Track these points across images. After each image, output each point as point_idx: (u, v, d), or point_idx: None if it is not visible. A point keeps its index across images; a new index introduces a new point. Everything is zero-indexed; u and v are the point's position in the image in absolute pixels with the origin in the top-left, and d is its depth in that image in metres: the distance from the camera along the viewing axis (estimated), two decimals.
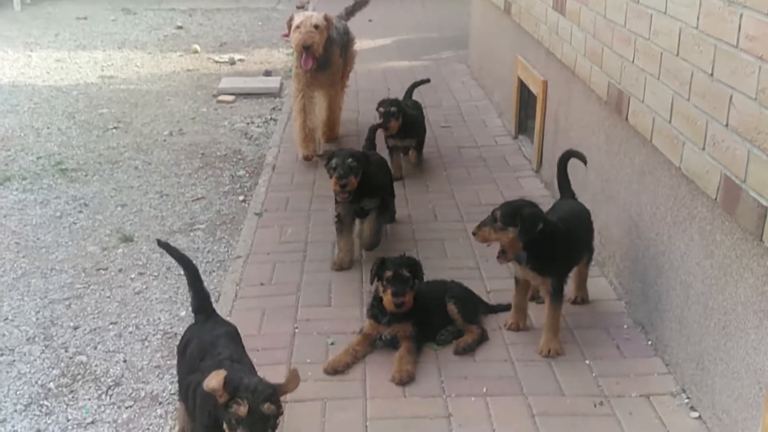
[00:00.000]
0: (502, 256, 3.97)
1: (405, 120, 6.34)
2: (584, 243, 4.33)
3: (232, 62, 11.03)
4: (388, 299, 3.99)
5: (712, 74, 3.31)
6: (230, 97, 9.20)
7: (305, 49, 6.35)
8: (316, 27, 6.39)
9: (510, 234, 3.84)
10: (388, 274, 4.02)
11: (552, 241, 3.91)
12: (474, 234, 3.97)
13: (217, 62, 11.07)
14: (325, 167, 4.82)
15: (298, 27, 6.39)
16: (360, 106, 8.53)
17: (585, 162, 4.54)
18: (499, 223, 3.84)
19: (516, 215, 3.82)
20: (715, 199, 3.28)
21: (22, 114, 8.62)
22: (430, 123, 7.88)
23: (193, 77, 10.29)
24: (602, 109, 4.84)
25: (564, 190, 4.47)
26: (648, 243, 4.16)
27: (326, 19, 6.51)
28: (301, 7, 13.23)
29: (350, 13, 7.79)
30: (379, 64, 10.51)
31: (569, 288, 4.32)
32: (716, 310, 3.40)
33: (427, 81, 7.39)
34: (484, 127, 7.76)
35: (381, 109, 6.29)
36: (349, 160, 4.71)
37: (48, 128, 8.13)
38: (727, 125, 3.18)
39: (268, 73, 10.25)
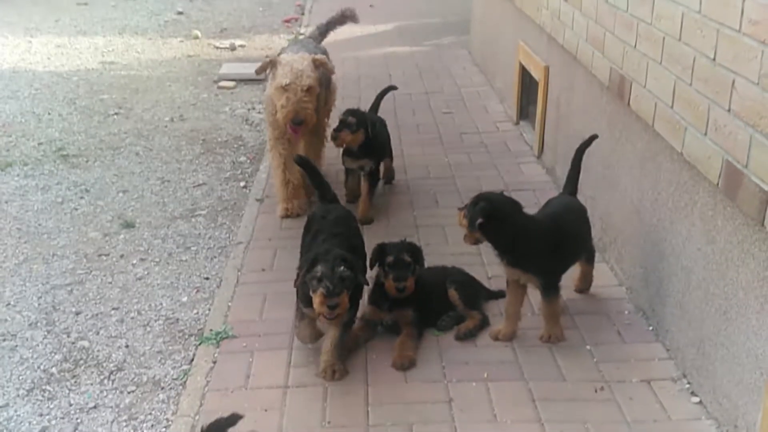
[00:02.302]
0: (465, 238, 3.90)
1: (366, 136, 5.39)
2: (578, 241, 4.18)
3: (233, 48, 11.00)
4: (390, 284, 4.00)
5: (714, 59, 3.30)
6: (231, 83, 9.18)
7: (297, 124, 5.08)
8: (309, 90, 5.06)
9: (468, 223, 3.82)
10: (390, 259, 4.03)
11: (528, 239, 3.81)
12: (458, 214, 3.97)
13: (217, 48, 11.04)
14: (303, 277, 3.62)
15: (285, 88, 5.01)
16: (361, 92, 8.51)
17: (591, 141, 4.42)
18: (465, 211, 3.83)
19: (471, 207, 3.79)
20: (717, 184, 3.28)
21: (23, 100, 8.61)
22: (432, 109, 7.90)
23: (194, 63, 10.27)
24: (604, 94, 4.82)
25: (569, 183, 4.34)
26: (649, 229, 4.16)
27: (318, 64, 5.21)
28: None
29: (324, 33, 6.50)
30: (380, 50, 10.50)
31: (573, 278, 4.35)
32: (717, 296, 3.40)
33: (395, 88, 6.51)
34: (486, 113, 7.75)
35: (341, 116, 5.42)
36: (341, 268, 3.51)
37: (49, 114, 8.12)
38: (729, 110, 3.17)
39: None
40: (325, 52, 5.85)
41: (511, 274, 3.95)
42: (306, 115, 5.04)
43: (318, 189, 4.44)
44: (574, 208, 4.23)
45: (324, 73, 5.40)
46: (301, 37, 6.58)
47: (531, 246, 3.82)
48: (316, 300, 3.49)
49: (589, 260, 4.34)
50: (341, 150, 5.56)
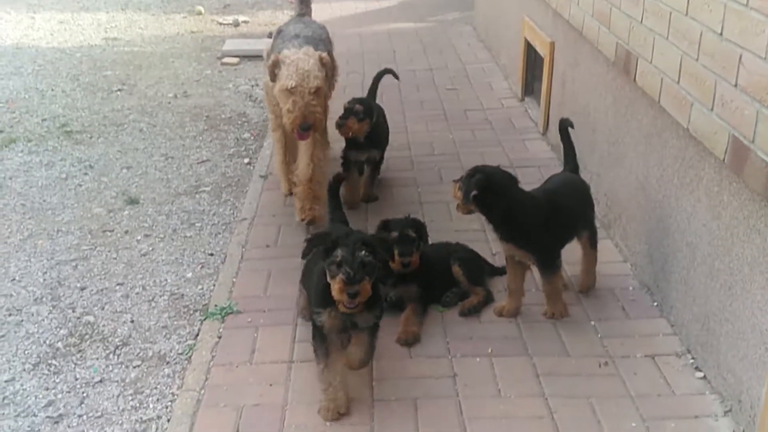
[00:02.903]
0: (457, 208, 3.88)
1: (372, 126, 5.18)
2: (575, 217, 4.10)
3: (236, 24, 10.94)
4: (395, 260, 4.01)
5: (721, 33, 3.27)
6: (234, 59, 9.14)
7: (305, 130, 4.65)
8: (317, 92, 4.63)
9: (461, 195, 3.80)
10: (394, 235, 4.03)
11: (522, 214, 3.79)
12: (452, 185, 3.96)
13: (221, 24, 10.99)
14: (323, 260, 3.28)
15: (291, 91, 4.58)
16: (365, 67, 8.48)
17: (571, 126, 4.36)
18: (461, 182, 3.82)
19: (467, 179, 3.77)
20: (723, 160, 3.26)
21: (27, 76, 8.58)
22: (436, 85, 7.88)
23: (197, 39, 10.22)
24: (610, 70, 4.80)
25: (567, 160, 4.30)
26: (654, 205, 4.15)
27: (325, 63, 4.75)
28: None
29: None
30: (383, 26, 10.45)
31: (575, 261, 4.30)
32: (722, 271, 3.40)
33: (390, 72, 5.97)
34: (490, 89, 7.71)
35: (346, 104, 5.15)
36: (362, 252, 3.19)
37: (52, 90, 8.10)
38: (736, 85, 3.15)
39: (272, 35, 10.16)
40: (325, 31, 5.45)
41: (506, 249, 3.95)
42: (315, 120, 4.65)
43: (330, 206, 4.08)
44: (573, 184, 4.19)
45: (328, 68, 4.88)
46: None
47: (524, 221, 3.80)
48: (335, 287, 3.16)
49: (592, 242, 4.19)
50: (345, 143, 5.27)
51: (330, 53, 5.03)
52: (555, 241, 3.98)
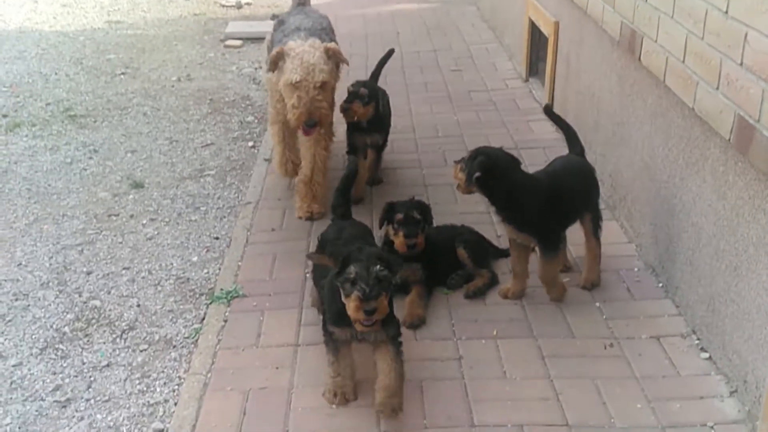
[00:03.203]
0: (458, 188, 3.89)
1: (376, 109, 5.08)
2: (577, 199, 4.04)
3: (239, 6, 10.90)
4: (400, 241, 4.01)
5: (726, 12, 3.24)
6: (238, 42, 9.11)
7: (310, 126, 4.50)
8: (323, 86, 4.47)
9: (464, 176, 3.78)
10: (399, 217, 4.03)
11: (524, 196, 3.77)
12: (453, 166, 3.94)
13: (224, 6, 10.95)
14: (335, 279, 3.15)
15: (295, 85, 4.40)
16: (368, 50, 8.45)
17: (550, 109, 4.40)
18: (462, 164, 3.80)
19: (470, 160, 3.75)
20: (729, 139, 3.25)
21: (30, 60, 8.57)
22: (440, 67, 7.85)
23: (200, 22, 10.19)
24: (615, 49, 4.77)
25: (571, 143, 4.26)
26: (660, 185, 4.13)
27: (331, 55, 4.57)
28: None
29: None
30: (387, 7, 10.39)
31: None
32: (728, 252, 3.39)
33: (392, 51, 5.79)
34: (495, 70, 7.68)
35: (350, 87, 5.05)
36: (377, 267, 3.07)
37: (56, 74, 8.09)
38: (741, 64, 3.13)
39: (275, 17, 10.10)
40: (328, 20, 5.25)
41: (509, 231, 3.94)
42: (320, 115, 4.47)
43: (336, 200, 3.95)
44: (576, 167, 4.14)
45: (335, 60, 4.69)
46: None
47: (525, 203, 3.78)
48: (351, 305, 3.05)
49: (594, 228, 4.10)
50: (347, 126, 5.16)
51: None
52: (556, 223, 3.96)
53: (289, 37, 4.70)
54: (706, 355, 3.58)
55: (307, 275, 4.31)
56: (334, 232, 3.76)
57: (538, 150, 5.68)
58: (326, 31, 4.98)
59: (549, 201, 3.83)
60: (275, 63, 4.53)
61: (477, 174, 3.69)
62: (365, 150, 5.26)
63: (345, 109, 4.96)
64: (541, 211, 3.80)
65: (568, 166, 4.14)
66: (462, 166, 3.80)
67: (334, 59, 4.60)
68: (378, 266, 3.05)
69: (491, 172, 3.71)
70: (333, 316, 3.27)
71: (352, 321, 3.11)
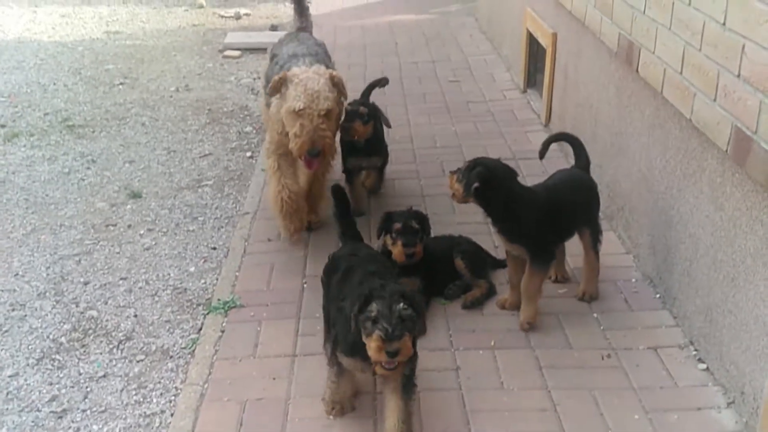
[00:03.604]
0: (453, 197, 3.87)
1: (375, 129, 4.97)
2: (575, 214, 4.02)
3: (238, 17, 10.93)
4: (398, 251, 4.01)
5: (724, 24, 3.26)
6: (236, 53, 9.13)
7: (314, 156, 4.29)
8: (327, 114, 4.29)
9: (461, 187, 3.76)
10: (397, 226, 4.04)
11: (520, 208, 3.75)
12: (449, 176, 3.92)
13: (222, 17, 10.97)
14: (353, 316, 2.96)
15: (298, 113, 4.22)
16: (367, 60, 8.47)
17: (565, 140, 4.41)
18: (460, 174, 3.79)
19: (468, 171, 3.74)
20: (726, 150, 3.25)
21: (28, 70, 8.58)
22: (438, 78, 7.86)
23: (199, 32, 10.21)
24: (612, 61, 4.78)
25: (578, 156, 4.22)
26: (657, 196, 4.14)
27: (336, 82, 4.40)
28: None
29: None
30: (385, 18, 10.42)
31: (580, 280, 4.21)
32: (725, 263, 3.39)
33: (386, 82, 5.72)
34: (493, 81, 7.69)
35: (347, 107, 4.85)
36: (401, 305, 2.87)
37: (54, 84, 8.10)
38: (738, 75, 3.13)
39: (274, 28, 10.16)
40: (324, 47, 5.06)
41: (504, 242, 3.93)
42: (324, 145, 4.27)
43: (341, 224, 3.83)
44: (577, 181, 4.11)
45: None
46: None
47: (522, 215, 3.77)
48: (372, 345, 2.83)
49: (593, 243, 4.07)
50: (342, 150, 4.99)
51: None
52: (550, 237, 3.93)
53: (290, 64, 4.52)
54: (704, 366, 3.57)
55: (305, 286, 4.31)
56: (348, 249, 3.61)
57: (535, 161, 5.63)
58: (323, 60, 4.75)
59: (546, 214, 3.81)
60: (277, 89, 4.35)
61: (476, 185, 3.68)
62: (359, 172, 5.14)
63: (346, 129, 4.80)
64: (537, 223, 3.79)
65: (568, 179, 4.12)
66: (458, 177, 3.80)
67: (339, 86, 4.42)
68: (401, 304, 2.85)
69: (489, 183, 3.70)
70: (346, 345, 3.09)
71: (373, 362, 2.91)
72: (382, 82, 5.64)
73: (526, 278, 3.87)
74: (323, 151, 4.30)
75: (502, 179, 3.77)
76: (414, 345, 2.98)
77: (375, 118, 4.97)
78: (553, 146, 5.94)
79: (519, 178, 3.90)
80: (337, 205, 3.84)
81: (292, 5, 5.43)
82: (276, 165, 4.67)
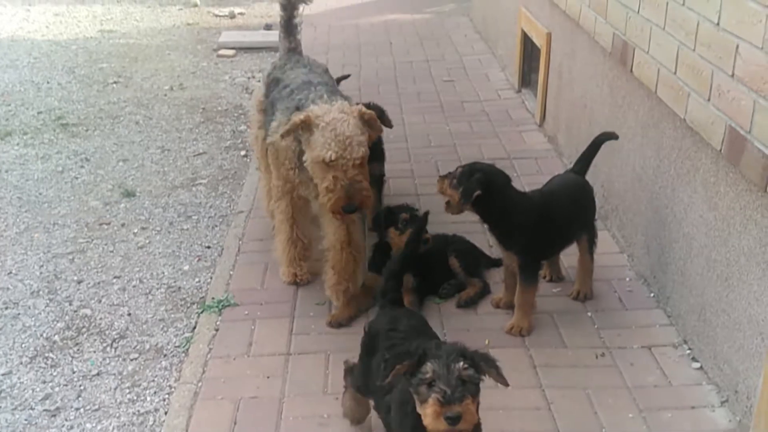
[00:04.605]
0: (447, 207, 3.79)
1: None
2: (575, 223, 3.98)
3: (232, 16, 10.91)
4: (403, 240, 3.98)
5: (718, 24, 3.26)
6: (231, 52, 9.12)
7: (351, 212, 3.71)
8: (362, 162, 3.66)
9: (457, 194, 3.68)
10: (405, 216, 4.14)
11: (517, 216, 3.70)
12: (438, 182, 3.83)
13: (216, 16, 10.96)
14: (407, 377, 2.50)
15: (329, 164, 3.60)
16: (362, 60, 8.47)
17: (616, 138, 4.25)
18: (454, 180, 3.70)
19: (466, 176, 3.65)
20: (720, 150, 3.26)
21: (22, 69, 8.56)
22: (433, 77, 7.86)
23: (193, 31, 10.19)
24: (607, 61, 4.79)
25: (578, 162, 4.17)
26: (651, 196, 4.15)
27: (368, 120, 3.76)
28: None
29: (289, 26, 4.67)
30: (380, 17, 10.42)
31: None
32: (719, 262, 3.40)
33: (348, 76, 5.68)
34: (487, 80, 7.70)
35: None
36: (460, 364, 2.44)
37: (48, 83, 8.08)
38: (732, 75, 3.14)
39: (268, 27, 10.14)
40: (327, 71, 4.47)
41: (500, 248, 3.90)
42: (362, 199, 3.66)
43: (385, 284, 3.18)
44: (573, 187, 4.06)
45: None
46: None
47: (516, 222, 3.72)
48: (428, 412, 2.38)
49: (590, 247, 4.05)
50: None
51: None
52: (544, 246, 3.90)
53: (307, 92, 3.93)
54: (698, 364, 3.58)
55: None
56: (386, 321, 2.99)
57: (530, 160, 5.69)
58: (333, 86, 4.21)
59: (542, 221, 3.75)
60: (291, 133, 3.74)
61: (478, 192, 3.60)
62: None
63: None
64: (529, 231, 3.72)
65: (565, 186, 4.04)
66: (452, 182, 3.69)
67: (371, 124, 3.78)
68: (461, 363, 2.43)
69: (488, 189, 3.64)
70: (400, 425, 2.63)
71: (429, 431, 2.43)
72: (345, 77, 5.52)
73: (518, 293, 3.84)
74: (360, 205, 3.70)
75: (501, 185, 3.72)
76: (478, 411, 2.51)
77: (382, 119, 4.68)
78: (548, 146, 6.02)
79: (513, 178, 3.89)
80: (382, 261, 3.28)
81: (280, 25, 4.69)
82: (290, 211, 4.13)
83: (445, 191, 3.76)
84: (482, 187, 3.62)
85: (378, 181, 4.92)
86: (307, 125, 3.66)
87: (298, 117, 3.68)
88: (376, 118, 3.78)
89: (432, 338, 2.87)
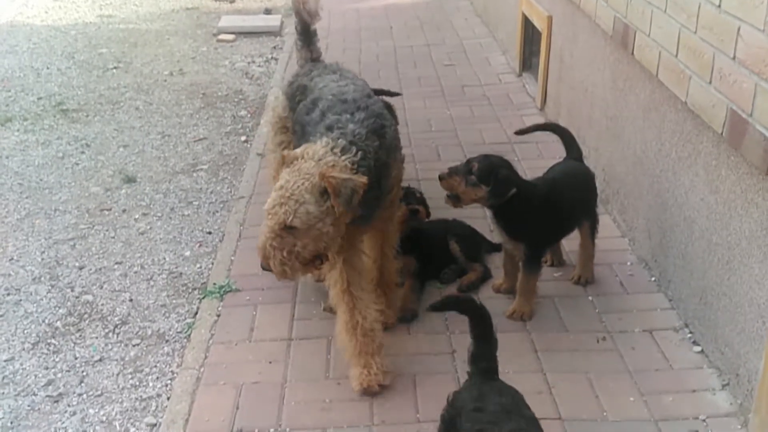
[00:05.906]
0: (453, 200, 3.68)
1: None
2: (578, 210, 3.99)
3: (232, 0, 10.87)
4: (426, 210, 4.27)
5: (719, 6, 3.24)
6: (230, 36, 9.09)
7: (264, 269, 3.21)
8: (295, 229, 3.10)
9: (480, 192, 3.61)
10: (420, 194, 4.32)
11: (524, 205, 3.68)
12: (440, 178, 3.65)
13: (216, 0, 10.91)
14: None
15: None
16: (362, 44, 8.44)
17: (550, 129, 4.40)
18: (473, 177, 3.60)
19: (491, 174, 3.59)
20: (721, 133, 3.25)
21: (21, 54, 8.53)
22: (433, 61, 7.83)
23: (193, 16, 10.16)
24: (608, 44, 4.77)
25: (568, 148, 4.18)
26: (652, 179, 4.14)
27: (333, 190, 3.08)
28: None
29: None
30: (380, 1, 10.38)
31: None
32: (720, 246, 3.40)
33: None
34: (488, 65, 7.67)
35: None
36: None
37: (48, 68, 8.06)
38: (734, 58, 3.13)
39: (268, 12, 10.11)
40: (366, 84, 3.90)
41: (502, 238, 3.89)
42: (277, 268, 3.14)
43: (476, 347, 2.64)
44: (579, 174, 4.07)
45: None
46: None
47: (525, 213, 3.71)
48: None
49: (591, 232, 4.06)
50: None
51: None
52: (549, 234, 3.92)
53: (332, 122, 3.35)
54: (699, 348, 3.58)
55: None
56: (472, 397, 2.51)
57: (531, 145, 5.67)
58: (366, 101, 3.52)
59: (548, 210, 3.76)
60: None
61: (513, 190, 3.60)
62: None
63: None
64: (536, 220, 3.72)
65: (567, 173, 4.04)
66: (468, 179, 3.60)
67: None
68: None
69: (509, 185, 3.64)
70: None
71: None
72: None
73: (521, 280, 3.85)
74: (274, 272, 3.17)
75: (516, 179, 3.72)
76: None
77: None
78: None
79: (515, 162, 3.88)
80: (474, 323, 2.66)
81: (297, 32, 4.38)
82: (345, 283, 3.41)
83: (456, 189, 3.64)
84: (514, 184, 3.62)
85: None
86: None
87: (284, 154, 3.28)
88: (337, 191, 3.05)
89: (526, 419, 2.44)
